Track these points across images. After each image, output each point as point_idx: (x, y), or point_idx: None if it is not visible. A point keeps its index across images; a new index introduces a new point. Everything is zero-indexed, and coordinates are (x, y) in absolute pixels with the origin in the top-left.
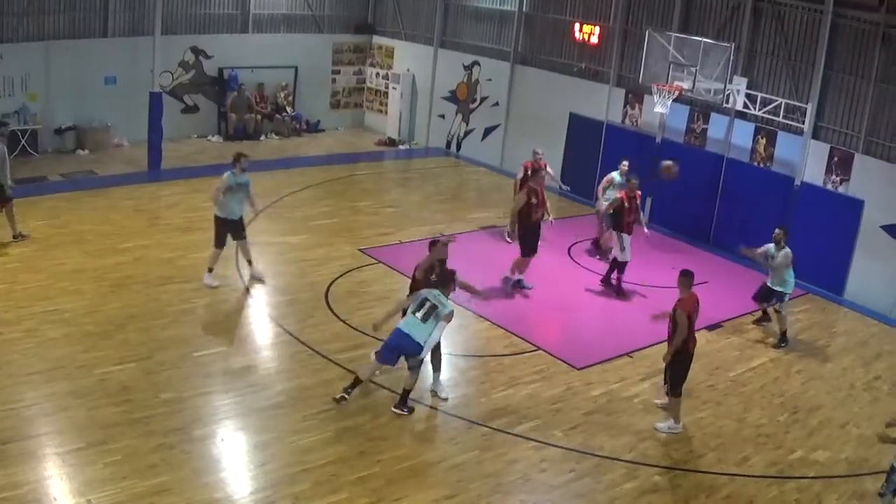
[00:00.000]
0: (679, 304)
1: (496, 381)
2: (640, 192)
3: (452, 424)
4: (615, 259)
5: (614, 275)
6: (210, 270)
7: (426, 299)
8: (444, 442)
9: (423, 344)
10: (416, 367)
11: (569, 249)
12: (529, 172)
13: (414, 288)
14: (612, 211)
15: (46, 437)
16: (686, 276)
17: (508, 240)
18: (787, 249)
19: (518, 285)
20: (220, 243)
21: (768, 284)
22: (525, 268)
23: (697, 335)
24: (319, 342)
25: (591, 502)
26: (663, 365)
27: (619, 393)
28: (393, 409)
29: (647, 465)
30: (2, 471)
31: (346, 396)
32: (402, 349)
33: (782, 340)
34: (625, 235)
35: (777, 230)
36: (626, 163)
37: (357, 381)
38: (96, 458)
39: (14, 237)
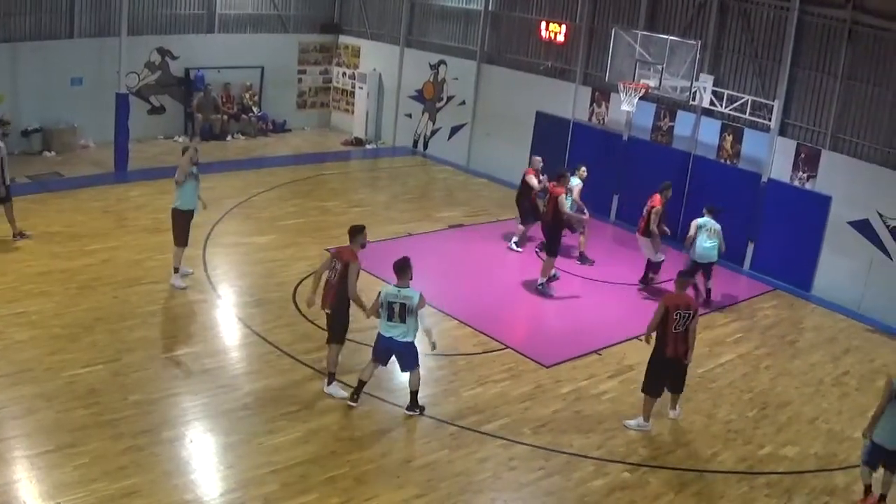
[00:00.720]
0: (664, 297)
1: (465, 380)
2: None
3: (422, 423)
4: (650, 260)
5: (650, 275)
6: (176, 270)
7: (391, 303)
8: (413, 441)
9: (410, 341)
10: (411, 367)
11: (536, 249)
12: (542, 180)
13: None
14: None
15: (14, 441)
16: (679, 277)
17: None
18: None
19: (545, 288)
20: (182, 241)
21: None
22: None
23: None
24: (287, 343)
25: (560, 500)
26: (621, 364)
27: (588, 390)
28: (406, 410)
29: (616, 461)
30: None
31: (354, 402)
32: (390, 351)
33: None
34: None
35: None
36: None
37: (361, 384)
38: (65, 461)
39: (14, 236)
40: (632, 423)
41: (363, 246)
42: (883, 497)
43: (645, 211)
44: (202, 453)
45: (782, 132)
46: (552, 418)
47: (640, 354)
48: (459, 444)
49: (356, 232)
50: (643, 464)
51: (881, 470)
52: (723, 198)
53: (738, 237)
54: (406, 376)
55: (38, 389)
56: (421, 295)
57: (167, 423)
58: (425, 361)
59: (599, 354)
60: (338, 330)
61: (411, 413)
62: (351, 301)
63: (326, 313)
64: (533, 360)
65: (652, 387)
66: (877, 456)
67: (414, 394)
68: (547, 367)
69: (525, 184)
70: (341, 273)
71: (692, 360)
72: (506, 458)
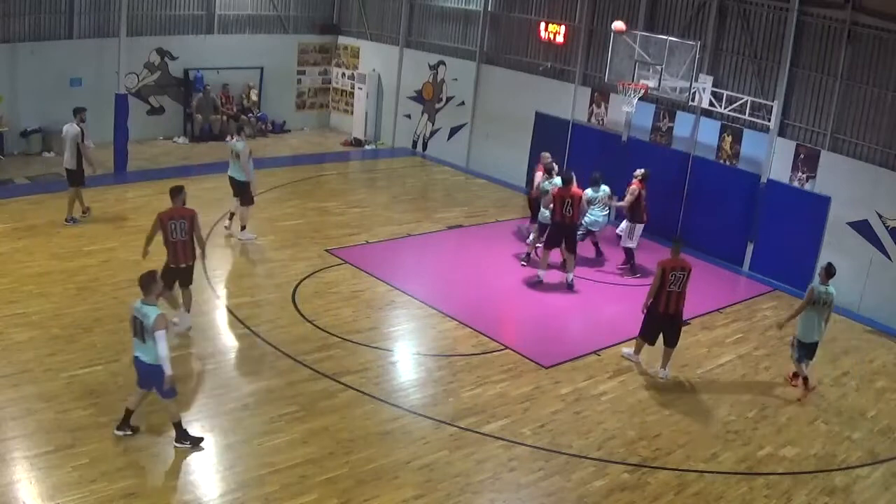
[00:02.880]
0: (660, 261)
1: (464, 381)
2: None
3: (421, 424)
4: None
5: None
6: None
7: (133, 318)
8: (412, 442)
9: (151, 363)
10: (163, 394)
11: (535, 248)
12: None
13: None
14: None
15: (13, 441)
16: (674, 242)
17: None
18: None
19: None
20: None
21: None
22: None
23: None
24: (287, 343)
25: (560, 500)
26: (620, 364)
27: (588, 391)
28: (175, 444)
29: (615, 462)
30: None
31: (129, 432)
32: (139, 371)
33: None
34: (640, 225)
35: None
36: (546, 154)
37: (127, 413)
38: (64, 462)
39: (84, 213)
40: (628, 351)
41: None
42: (805, 379)
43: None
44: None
45: (781, 133)
46: (552, 419)
47: (641, 356)
48: (458, 445)
49: (178, 191)
50: (643, 465)
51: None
52: (722, 199)
53: (737, 238)
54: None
55: (37, 390)
56: (160, 316)
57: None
58: (424, 362)
59: (599, 355)
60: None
61: (180, 445)
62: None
63: (184, 267)
64: (532, 360)
65: (647, 333)
66: (802, 350)
67: (176, 426)
68: (546, 368)
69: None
70: (189, 227)
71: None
72: (505, 459)
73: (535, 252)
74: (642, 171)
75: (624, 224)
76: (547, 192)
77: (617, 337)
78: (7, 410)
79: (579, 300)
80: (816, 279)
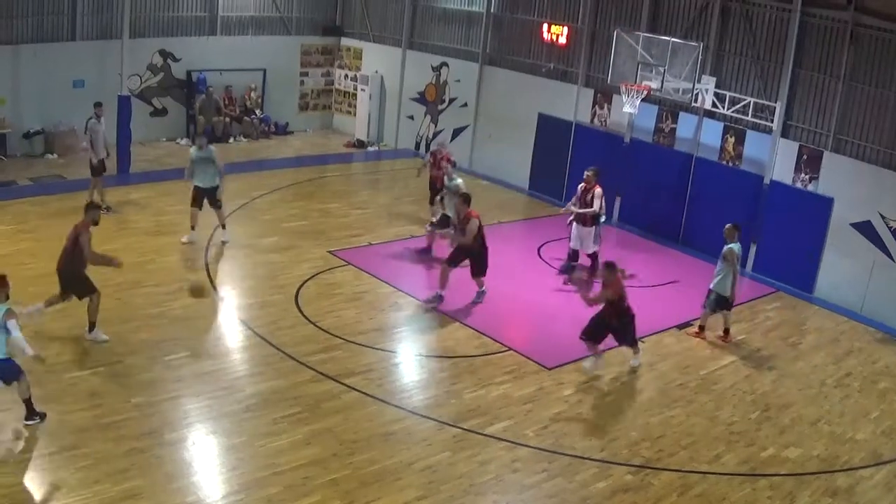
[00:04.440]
0: (609, 288)
1: (467, 382)
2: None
3: (424, 426)
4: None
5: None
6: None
7: None
8: (415, 443)
9: (6, 357)
10: (14, 379)
11: (538, 249)
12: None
13: None
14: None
15: (16, 443)
16: (610, 268)
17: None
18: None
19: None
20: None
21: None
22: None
23: (666, 334)
24: (290, 345)
25: (563, 502)
26: (624, 366)
27: (591, 392)
28: (24, 422)
29: (618, 464)
30: None
31: (37, 420)
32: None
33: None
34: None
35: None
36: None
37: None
38: (67, 463)
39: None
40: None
41: (95, 222)
42: (727, 331)
43: (589, 197)
44: (204, 455)
45: (784, 134)
46: (555, 420)
47: (643, 356)
48: (461, 447)
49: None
50: (646, 466)
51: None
52: (725, 200)
53: (740, 239)
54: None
55: (39, 392)
56: (8, 310)
57: (169, 425)
58: (427, 363)
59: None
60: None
61: (29, 423)
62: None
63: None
64: (535, 361)
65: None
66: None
67: (26, 402)
68: (549, 369)
69: None
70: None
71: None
72: (508, 461)
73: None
74: (595, 168)
75: (589, 230)
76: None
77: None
78: (10, 412)
79: (581, 302)
80: (736, 243)
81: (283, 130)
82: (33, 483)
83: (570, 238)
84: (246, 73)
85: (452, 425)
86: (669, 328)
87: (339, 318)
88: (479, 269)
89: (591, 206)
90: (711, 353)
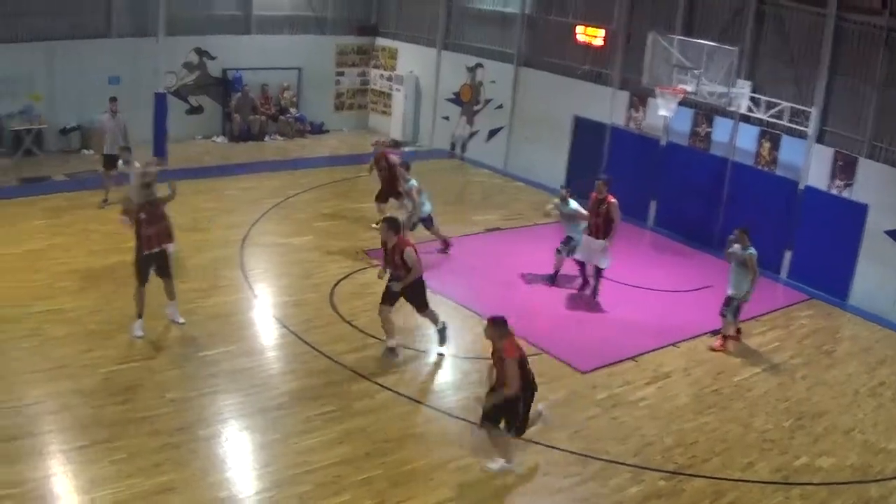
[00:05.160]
0: (506, 351)
1: None
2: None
3: (457, 426)
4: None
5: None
6: None
7: None
8: (448, 444)
9: None
10: None
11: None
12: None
13: None
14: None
15: (50, 435)
16: (497, 325)
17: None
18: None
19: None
20: None
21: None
22: None
23: (700, 340)
24: (324, 343)
25: None
26: (658, 371)
27: (624, 397)
28: None
29: (651, 469)
30: (6, 468)
31: None
32: None
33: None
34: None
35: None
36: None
37: None
38: (101, 457)
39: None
40: (495, 466)
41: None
42: (738, 330)
43: (602, 209)
44: (238, 452)
45: (820, 139)
46: (588, 424)
47: (677, 361)
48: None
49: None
50: (679, 472)
51: None
52: (760, 205)
53: (774, 245)
54: None
55: (74, 385)
56: None
57: (203, 420)
58: (460, 364)
59: (635, 361)
60: None
61: None
62: None
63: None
64: (569, 365)
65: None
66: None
67: None
68: (583, 373)
69: None
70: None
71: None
72: (541, 463)
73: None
74: (606, 177)
75: (601, 243)
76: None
77: (654, 342)
78: (44, 405)
79: (616, 305)
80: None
81: (318, 130)
82: (67, 476)
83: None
84: (281, 72)
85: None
86: (703, 334)
87: (373, 318)
88: (422, 302)
89: (605, 218)
90: (745, 360)
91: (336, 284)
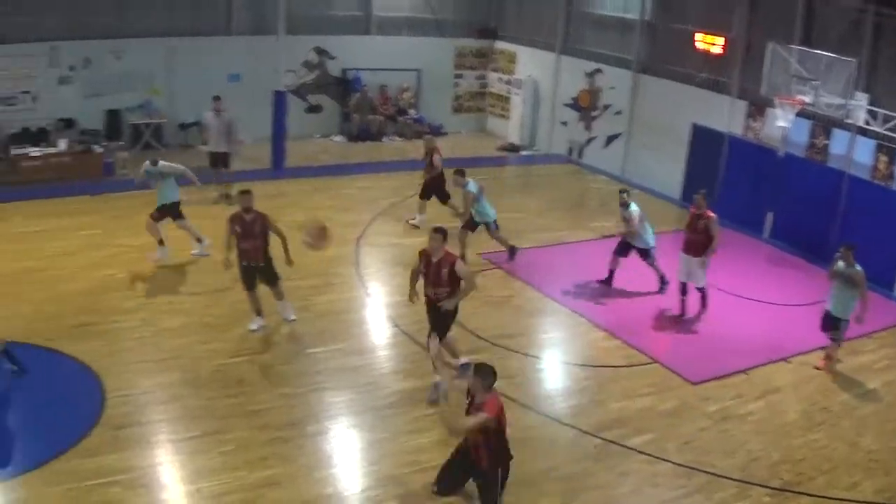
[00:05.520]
0: (487, 406)
1: (611, 392)
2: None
3: (565, 433)
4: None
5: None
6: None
7: None
8: (555, 450)
9: None
10: None
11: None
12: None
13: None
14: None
15: (160, 425)
16: (484, 375)
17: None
18: None
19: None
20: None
21: None
22: None
23: (810, 356)
24: None
25: None
26: (768, 385)
27: (734, 410)
28: None
29: (757, 485)
30: (114, 454)
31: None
32: None
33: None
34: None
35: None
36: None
37: None
38: (209, 447)
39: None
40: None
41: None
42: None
43: (701, 224)
44: (345, 449)
45: None
46: (697, 436)
47: (787, 377)
48: (602, 457)
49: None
50: (785, 489)
51: None
52: (876, 219)
53: (890, 260)
54: None
55: (185, 376)
56: None
57: (312, 416)
58: (572, 371)
59: (747, 374)
60: None
61: None
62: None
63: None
64: (680, 375)
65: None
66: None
67: None
68: (694, 384)
69: None
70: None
71: None
72: (648, 474)
73: None
74: (704, 191)
75: (700, 261)
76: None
77: (766, 356)
78: (154, 394)
79: (729, 317)
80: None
81: (437, 131)
82: (174, 465)
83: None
84: (400, 73)
85: (594, 435)
86: (814, 350)
87: (485, 321)
88: (445, 328)
89: (704, 234)
90: (855, 378)
91: None
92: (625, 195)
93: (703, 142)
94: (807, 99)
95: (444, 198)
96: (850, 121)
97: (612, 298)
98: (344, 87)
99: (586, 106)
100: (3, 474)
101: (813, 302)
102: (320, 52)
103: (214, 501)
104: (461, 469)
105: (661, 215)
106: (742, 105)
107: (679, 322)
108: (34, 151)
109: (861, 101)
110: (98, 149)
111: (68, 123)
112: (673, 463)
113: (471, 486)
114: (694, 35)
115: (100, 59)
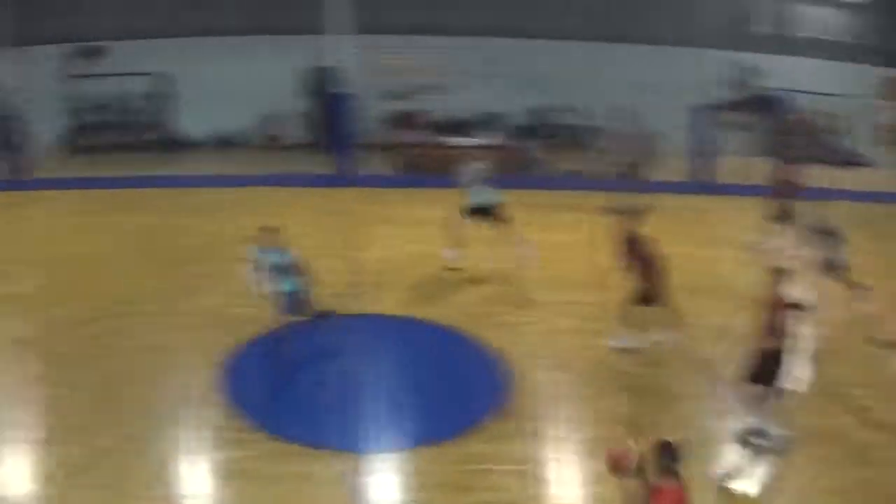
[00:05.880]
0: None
1: None
2: None
3: None
4: None
5: None
6: None
7: None
8: None
9: None
10: None
11: None
12: None
13: None
14: None
15: (562, 423)
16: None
17: None
18: None
19: None
20: None
21: None
22: None
23: None
24: (842, 381)
25: None
26: None
27: None
28: None
29: None
30: (504, 445)
31: None
32: None
33: None
34: None
35: None
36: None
37: None
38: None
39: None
40: None
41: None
42: None
43: None
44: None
45: None
46: None
47: None
48: None
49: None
50: None
51: None
52: None
53: None
54: None
55: (574, 377)
56: None
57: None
58: None
59: None
60: None
61: None
62: None
63: None
64: None
65: None
66: None
67: None
68: None
69: None
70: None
71: None
72: None
73: None
74: None
75: None
76: None
77: None
78: (559, 390)
79: None
80: None
81: (860, 162)
82: (569, 464)
83: None
84: (824, 98)
85: None
86: None
87: None
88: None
89: None
90: None
91: None
92: None
93: None
94: None
95: None
96: None
97: None
98: (768, 107)
99: None
100: (402, 444)
101: None
102: (744, 70)
103: None
104: None
105: None
106: None
107: None
108: (461, 141)
109: None
110: (523, 144)
111: (493, 117)
112: None
113: None
114: None
115: (524, 59)
